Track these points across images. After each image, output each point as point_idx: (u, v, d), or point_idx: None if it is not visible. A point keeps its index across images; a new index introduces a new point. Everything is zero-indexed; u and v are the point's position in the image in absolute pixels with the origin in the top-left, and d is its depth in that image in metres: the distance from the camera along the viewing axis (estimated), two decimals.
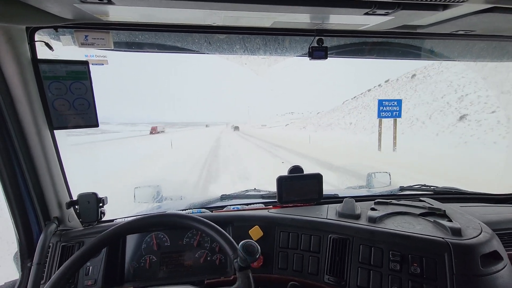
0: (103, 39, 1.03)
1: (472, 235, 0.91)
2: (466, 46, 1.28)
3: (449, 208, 1.15)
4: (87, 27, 1.02)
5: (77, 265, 0.78)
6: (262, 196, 1.51)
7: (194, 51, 1.17)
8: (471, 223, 1.01)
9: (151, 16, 0.92)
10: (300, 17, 0.90)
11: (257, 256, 0.75)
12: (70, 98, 1.09)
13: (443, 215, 1.09)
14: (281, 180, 1.32)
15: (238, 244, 0.79)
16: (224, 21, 0.94)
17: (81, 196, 1.16)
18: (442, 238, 0.90)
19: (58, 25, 0.96)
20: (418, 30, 1.06)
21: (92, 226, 1.18)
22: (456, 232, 0.92)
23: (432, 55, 1.33)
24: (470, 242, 0.87)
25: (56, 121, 1.08)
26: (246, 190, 1.60)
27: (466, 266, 0.83)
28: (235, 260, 0.76)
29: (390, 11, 0.78)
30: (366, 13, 0.81)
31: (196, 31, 1.05)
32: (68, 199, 1.18)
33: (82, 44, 1.04)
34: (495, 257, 0.88)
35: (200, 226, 0.86)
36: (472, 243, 0.87)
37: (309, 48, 1.14)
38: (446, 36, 1.13)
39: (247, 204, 1.41)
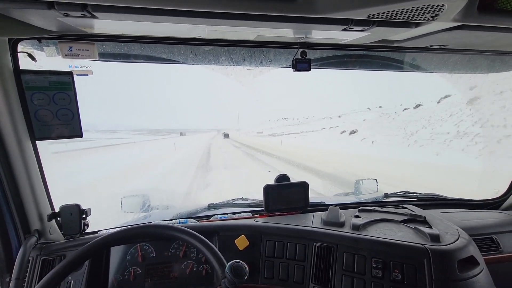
0: (88, 50, 1.03)
1: (450, 241, 0.94)
2: (442, 59, 1.34)
3: (430, 214, 1.19)
4: (72, 38, 1.02)
5: (58, 279, 0.76)
6: (250, 205, 1.52)
7: (180, 62, 1.18)
8: (449, 229, 1.04)
9: (136, 29, 0.93)
10: (282, 32, 0.93)
11: (245, 278, 0.73)
12: (53, 109, 1.08)
13: (424, 221, 1.13)
14: (268, 189, 1.33)
15: (226, 262, 0.77)
16: (208, 34, 0.96)
17: (63, 208, 1.13)
18: (422, 244, 0.93)
19: (42, 36, 0.96)
20: (396, 44, 1.11)
21: (74, 239, 1.15)
22: (435, 238, 0.95)
23: (410, 67, 1.39)
24: (447, 248, 0.90)
25: (39, 132, 1.06)
26: (234, 199, 1.60)
27: (444, 272, 0.86)
28: (223, 280, 0.75)
29: (366, 27, 0.82)
30: (344, 29, 0.85)
31: (181, 43, 1.07)
32: (50, 211, 1.15)
33: (66, 55, 1.04)
34: (471, 262, 0.91)
35: (190, 240, 0.85)
36: (450, 249, 0.90)
37: (293, 60, 1.17)
38: (422, 49, 1.18)
39: (234, 213, 1.42)
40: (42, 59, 1.04)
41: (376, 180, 1.95)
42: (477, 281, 0.87)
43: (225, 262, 0.79)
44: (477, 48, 1.15)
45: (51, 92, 1.06)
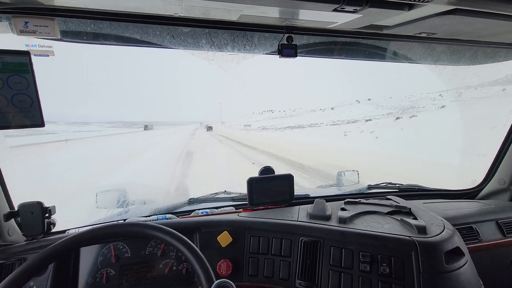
0: (47, 26, 0.90)
1: (436, 232, 0.93)
2: (428, 48, 1.33)
3: (414, 205, 1.18)
4: (28, 12, 0.89)
5: (16, 285, 0.67)
6: (233, 199, 1.46)
7: (156, 44, 1.07)
8: (434, 220, 1.04)
9: (101, 3, 0.81)
10: (268, 11, 0.85)
11: None
12: (8, 94, 0.94)
13: (409, 212, 1.12)
14: (251, 182, 1.27)
15: (214, 279, 0.71)
16: (185, 11, 0.86)
17: (22, 206, 1.01)
18: (409, 236, 0.91)
19: None
20: (384, 31, 1.07)
21: (37, 240, 1.03)
22: (421, 230, 0.94)
23: (396, 57, 1.37)
24: (434, 239, 0.89)
25: None
26: (216, 193, 1.53)
27: (431, 264, 0.85)
28: None
29: (358, 8, 0.77)
30: (335, 9, 0.79)
31: (156, 22, 0.96)
32: (7, 210, 1.03)
33: (21, 32, 0.90)
34: (457, 253, 0.91)
35: (175, 243, 0.77)
36: (436, 241, 0.88)
37: (278, 45, 1.10)
38: (409, 38, 1.16)
39: (216, 208, 1.35)
40: None
41: (358, 171, 1.96)
42: (463, 272, 0.86)
43: (213, 277, 0.73)
44: (463, 38, 1.14)
45: (4, 74, 0.92)
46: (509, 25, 0.92)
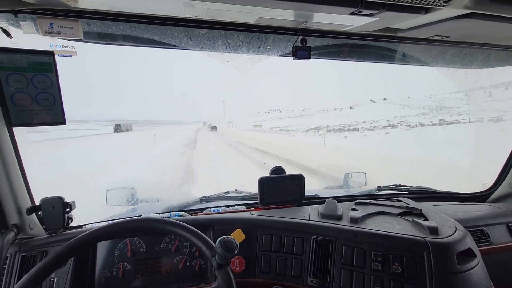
0: (71, 28, 0.94)
1: (448, 233, 0.94)
2: (440, 52, 1.34)
3: (424, 207, 1.19)
4: (53, 13, 0.92)
5: (40, 277, 0.70)
6: (243, 198, 1.48)
7: (174, 45, 1.10)
8: (446, 221, 1.04)
9: (125, 5, 0.84)
10: (285, 14, 0.87)
11: (235, 252, 0.72)
12: (32, 92, 0.98)
13: (420, 214, 1.13)
14: (263, 181, 1.29)
15: (213, 245, 0.75)
16: (206, 14, 0.89)
17: (44, 200, 1.05)
18: (421, 237, 0.92)
19: (18, 9, 0.86)
20: (398, 34, 1.08)
21: (57, 234, 1.07)
22: (434, 231, 0.94)
23: (409, 59, 1.37)
24: (446, 240, 0.90)
25: (15, 118, 0.97)
26: (227, 192, 1.55)
27: (443, 264, 0.86)
28: (213, 258, 0.73)
29: (375, 11, 0.78)
30: (352, 13, 0.80)
31: (175, 24, 0.99)
32: (30, 204, 1.06)
33: (47, 33, 0.93)
34: (469, 254, 0.91)
35: (173, 229, 0.81)
36: (449, 241, 0.89)
37: (292, 47, 1.12)
38: (423, 41, 1.16)
39: (228, 206, 1.37)
40: (19, 35, 0.94)
41: (365, 173, 1.97)
42: (475, 273, 0.87)
43: (212, 243, 0.76)
44: (477, 41, 1.14)
45: (29, 73, 0.96)
46: None
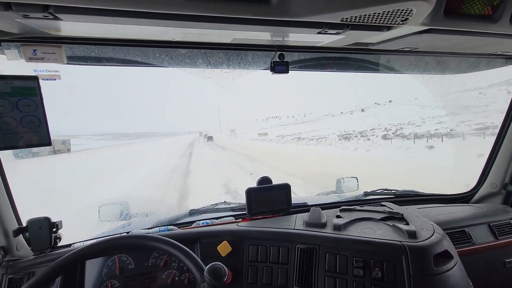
0: (54, 53, 0.97)
1: (425, 236, 0.98)
2: (414, 60, 1.40)
3: (407, 211, 1.23)
4: (36, 41, 0.96)
5: None
6: (232, 209, 1.50)
7: (156, 65, 1.15)
8: (425, 224, 1.08)
9: (106, 31, 0.88)
10: (259, 35, 0.92)
11: (225, 280, 0.73)
12: (17, 116, 1.00)
13: (401, 218, 1.16)
14: (250, 192, 1.32)
15: (205, 266, 0.76)
16: (183, 37, 0.94)
17: (30, 222, 1.06)
18: (400, 241, 0.95)
19: (2, 38, 0.89)
20: (370, 47, 1.14)
21: (44, 254, 1.08)
22: (412, 234, 0.98)
23: (384, 69, 1.44)
24: (423, 243, 0.93)
25: (1, 141, 0.98)
26: (216, 204, 1.57)
27: (421, 267, 0.89)
28: (202, 284, 0.74)
29: (340, 30, 0.83)
30: (319, 32, 0.86)
31: (156, 46, 1.04)
32: (17, 226, 1.07)
33: (30, 59, 0.97)
34: (446, 256, 0.95)
35: (165, 247, 0.82)
36: (426, 245, 0.93)
37: (271, 62, 1.17)
38: (394, 52, 1.22)
39: (216, 218, 1.39)
40: (3, 62, 0.97)
41: (357, 178, 2.01)
42: (452, 274, 0.90)
43: (203, 266, 0.78)
44: (445, 51, 1.20)
45: (14, 98, 0.99)
46: (484, 40, 0.98)
